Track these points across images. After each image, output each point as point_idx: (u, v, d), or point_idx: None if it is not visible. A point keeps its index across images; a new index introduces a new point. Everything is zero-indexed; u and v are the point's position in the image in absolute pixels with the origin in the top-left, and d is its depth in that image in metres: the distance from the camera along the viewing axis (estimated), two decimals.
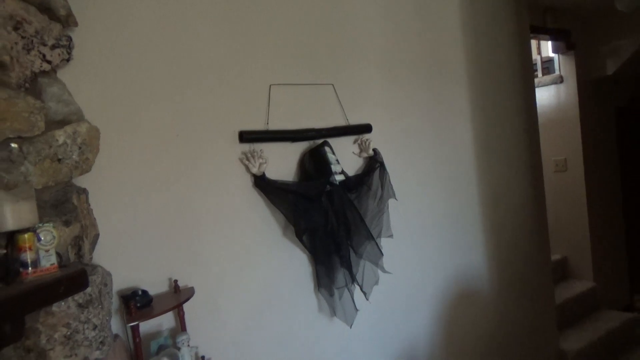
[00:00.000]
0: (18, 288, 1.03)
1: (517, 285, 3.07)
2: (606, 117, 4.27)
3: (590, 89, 4.04)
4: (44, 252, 1.13)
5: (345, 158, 2.20)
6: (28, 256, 1.10)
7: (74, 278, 1.14)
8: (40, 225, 1.14)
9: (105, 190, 1.60)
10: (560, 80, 4.04)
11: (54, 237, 1.14)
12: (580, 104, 3.96)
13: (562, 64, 4.03)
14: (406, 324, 2.45)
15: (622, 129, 4.41)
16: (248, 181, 1.94)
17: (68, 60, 1.44)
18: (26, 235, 1.10)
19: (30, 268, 1.11)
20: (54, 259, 1.15)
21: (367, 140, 2.25)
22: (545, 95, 4.10)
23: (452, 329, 2.65)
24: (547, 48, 4.47)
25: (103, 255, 1.58)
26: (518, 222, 3.12)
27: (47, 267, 1.13)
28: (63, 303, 1.29)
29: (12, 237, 1.12)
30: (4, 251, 1.06)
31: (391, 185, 2.26)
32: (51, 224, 1.16)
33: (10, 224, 1.09)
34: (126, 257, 1.66)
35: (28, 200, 1.13)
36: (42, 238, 1.12)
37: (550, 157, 4.09)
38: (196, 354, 1.73)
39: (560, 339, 3.45)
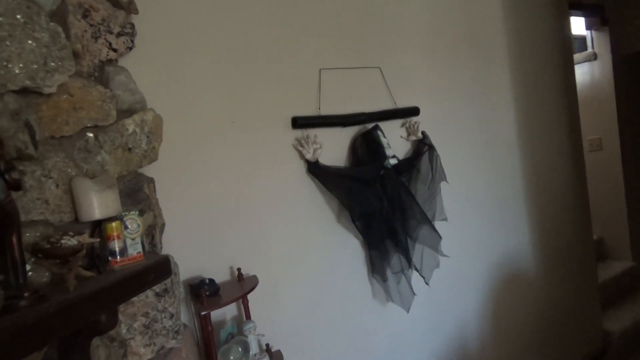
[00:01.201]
0: (112, 277, 1.02)
1: (561, 266, 3.03)
2: None
3: (625, 65, 3.93)
4: (130, 240, 1.12)
5: (393, 141, 2.16)
6: (116, 244, 1.09)
7: (161, 266, 1.13)
8: (127, 213, 1.13)
9: (166, 180, 1.59)
10: (594, 57, 3.95)
11: (139, 225, 1.13)
12: (615, 81, 3.86)
13: (596, 41, 3.93)
14: (456, 306, 2.43)
15: None
16: (302, 167, 1.92)
17: (131, 48, 1.43)
18: (114, 224, 1.09)
19: (118, 257, 1.10)
20: (139, 247, 1.14)
21: (415, 123, 2.21)
22: (578, 73, 3.99)
23: (500, 311, 2.62)
24: (577, 25, 4.38)
25: (167, 245, 1.57)
26: (560, 202, 3.07)
27: (134, 256, 1.12)
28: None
29: (99, 226, 1.11)
30: (98, 239, 1.05)
31: (442, 168, 2.22)
32: (136, 212, 1.15)
33: (98, 213, 1.08)
34: (188, 246, 1.65)
35: (112, 189, 1.12)
36: (129, 226, 1.11)
37: (584, 136, 4.00)
38: (259, 341, 1.73)
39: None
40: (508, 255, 2.72)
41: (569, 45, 3.16)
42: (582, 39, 4.17)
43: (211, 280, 1.59)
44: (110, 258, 1.09)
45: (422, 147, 2.20)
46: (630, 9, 3.84)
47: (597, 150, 4.06)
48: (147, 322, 1.33)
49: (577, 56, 4.05)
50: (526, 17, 2.86)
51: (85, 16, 1.26)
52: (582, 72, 4.01)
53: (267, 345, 1.71)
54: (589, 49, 4.01)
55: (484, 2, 2.65)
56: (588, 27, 3.93)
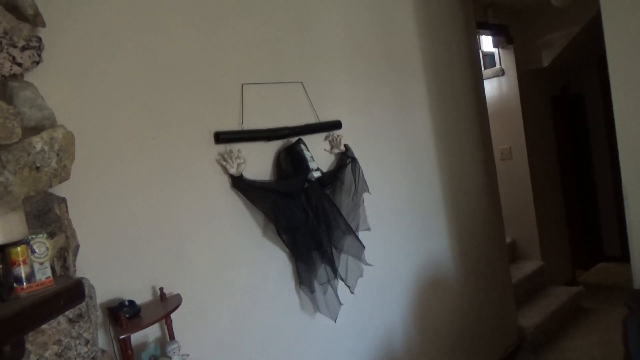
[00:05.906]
0: (17, 305, 0.96)
1: (478, 268, 3.22)
2: (543, 106, 4.57)
3: (529, 80, 4.30)
4: (38, 265, 1.06)
5: (316, 155, 2.21)
6: (22, 270, 1.03)
7: (72, 290, 1.09)
8: (33, 237, 1.07)
9: (81, 199, 1.52)
10: (501, 73, 4.28)
11: (47, 248, 1.08)
12: (520, 95, 4.21)
13: (503, 58, 4.27)
14: (382, 313, 2.50)
15: (557, 116, 4.74)
16: (226, 182, 1.91)
17: (38, 62, 1.36)
18: (19, 248, 1.03)
19: (25, 283, 1.04)
20: (49, 272, 1.08)
21: (338, 136, 2.28)
22: (488, 88, 4.31)
23: (424, 314, 2.74)
24: (487, 43, 4.73)
25: (83, 267, 1.50)
26: (475, 209, 3.27)
27: (43, 281, 1.07)
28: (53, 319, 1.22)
29: (2, 251, 1.04)
30: (0, 265, 0.99)
31: (364, 179, 2.30)
32: (44, 235, 1.09)
33: (1, 238, 1.01)
34: (106, 268, 1.58)
35: (16, 211, 1.06)
36: (37, 250, 1.05)
37: (495, 146, 4.31)
38: None
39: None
40: (430, 261, 2.86)
41: (477, 62, 3.40)
42: (492, 55, 4.52)
43: (131, 302, 1.54)
44: (15, 285, 1.03)
45: (345, 159, 2.27)
46: (532, 30, 4.22)
47: (508, 159, 4.39)
48: (60, 350, 1.26)
49: (487, 72, 4.37)
50: (439, 35, 3.05)
51: None
52: (492, 87, 4.33)
53: None
54: (497, 65, 4.34)
55: (399, 21, 2.80)
56: (495, 45, 4.25)
